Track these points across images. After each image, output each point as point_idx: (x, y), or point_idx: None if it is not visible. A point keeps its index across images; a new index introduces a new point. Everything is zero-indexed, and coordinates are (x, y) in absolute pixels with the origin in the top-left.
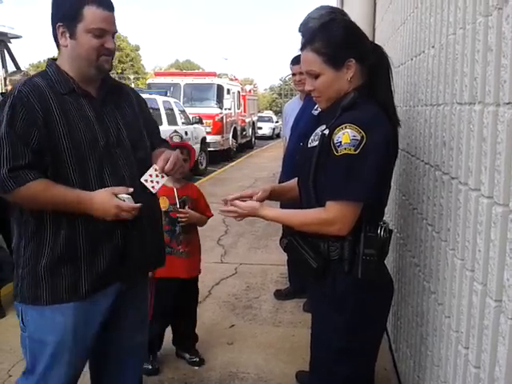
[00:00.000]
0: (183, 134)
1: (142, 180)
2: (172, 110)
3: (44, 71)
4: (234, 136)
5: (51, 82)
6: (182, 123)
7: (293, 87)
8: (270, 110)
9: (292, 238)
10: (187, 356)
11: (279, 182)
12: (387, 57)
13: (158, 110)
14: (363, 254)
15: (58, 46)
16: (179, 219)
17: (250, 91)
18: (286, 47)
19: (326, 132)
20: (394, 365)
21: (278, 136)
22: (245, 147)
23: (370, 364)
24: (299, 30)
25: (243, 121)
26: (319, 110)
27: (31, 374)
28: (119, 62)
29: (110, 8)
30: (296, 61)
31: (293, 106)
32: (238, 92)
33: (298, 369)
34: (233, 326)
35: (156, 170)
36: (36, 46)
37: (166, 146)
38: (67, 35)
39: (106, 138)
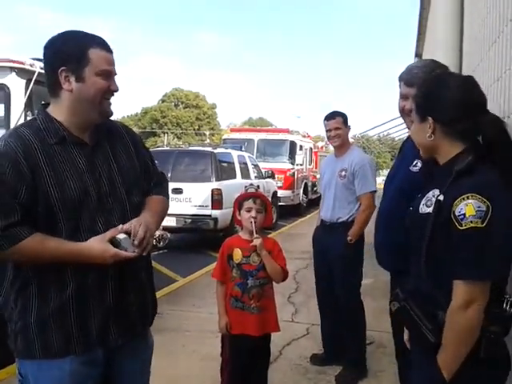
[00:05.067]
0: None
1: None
2: (246, 164)
3: (33, 119)
4: (305, 191)
5: (39, 131)
6: (255, 177)
7: (365, 145)
8: None
9: (406, 304)
10: None
11: (375, 245)
12: (505, 130)
13: (233, 163)
14: (487, 330)
15: (54, 91)
16: (253, 239)
17: (321, 148)
18: (357, 106)
19: (441, 198)
20: None
21: None
22: (315, 203)
23: None
24: (400, 78)
25: (314, 176)
26: (418, 166)
27: None
28: (197, 118)
29: (111, 50)
30: (330, 116)
31: (327, 162)
32: (310, 148)
33: None
34: None
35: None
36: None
37: (160, 190)
38: (72, 79)
39: (98, 188)
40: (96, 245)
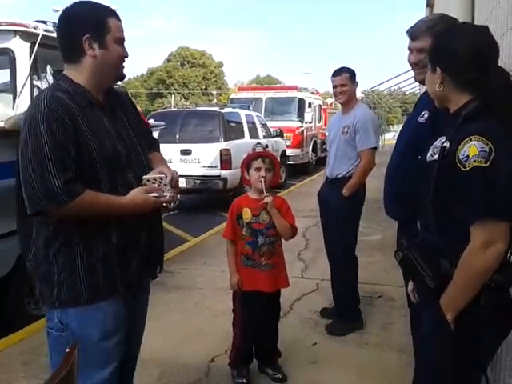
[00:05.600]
0: (264, 146)
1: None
2: (254, 123)
3: (57, 84)
4: (314, 149)
5: (70, 94)
6: (263, 136)
7: (376, 100)
8: None
9: (408, 253)
10: (270, 372)
11: (384, 195)
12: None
13: (241, 123)
14: (490, 279)
15: (74, 57)
16: (263, 197)
17: (330, 105)
18: (367, 61)
19: (447, 145)
20: None
21: None
22: (324, 161)
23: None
24: (406, 32)
25: (323, 134)
26: (425, 117)
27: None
28: (204, 78)
29: (120, 19)
30: (336, 72)
31: (334, 120)
32: (319, 105)
33: None
34: (315, 344)
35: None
36: None
37: (157, 147)
38: (95, 46)
39: (124, 146)
40: (138, 196)
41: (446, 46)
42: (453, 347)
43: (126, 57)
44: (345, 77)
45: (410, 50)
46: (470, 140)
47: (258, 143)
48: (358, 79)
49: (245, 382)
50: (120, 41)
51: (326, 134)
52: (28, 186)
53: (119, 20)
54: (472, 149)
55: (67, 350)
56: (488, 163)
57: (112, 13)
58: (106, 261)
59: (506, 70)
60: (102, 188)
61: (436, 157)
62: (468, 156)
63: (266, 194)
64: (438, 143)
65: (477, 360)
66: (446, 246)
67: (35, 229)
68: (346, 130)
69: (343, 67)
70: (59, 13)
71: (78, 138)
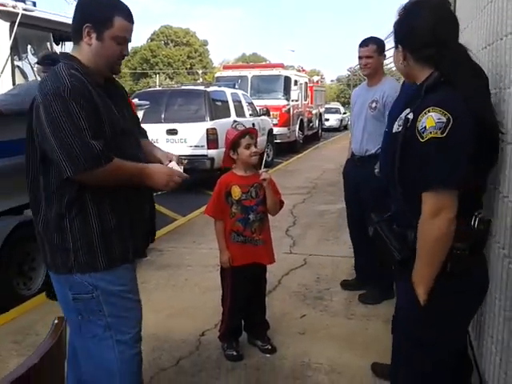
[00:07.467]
0: (251, 126)
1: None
2: (240, 102)
3: (69, 64)
4: (301, 128)
5: (82, 75)
6: (250, 115)
7: (362, 78)
8: (338, 101)
9: (377, 226)
10: (259, 343)
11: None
12: (468, 54)
13: (227, 102)
14: (453, 247)
15: (76, 39)
16: (261, 173)
17: (317, 82)
18: (354, 37)
19: (410, 116)
20: (475, 361)
21: (345, 128)
22: (311, 139)
23: (446, 359)
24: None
25: (310, 112)
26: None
27: (112, 327)
28: (188, 57)
29: (133, 21)
30: (362, 43)
31: (359, 91)
32: (305, 83)
33: (372, 362)
34: (304, 316)
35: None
36: None
37: (146, 136)
38: (93, 36)
39: (126, 125)
40: (162, 168)
41: (404, 23)
42: (427, 320)
43: (125, 55)
44: (371, 48)
45: None
46: (428, 111)
47: (234, 121)
48: (346, 56)
49: (235, 353)
50: (120, 40)
51: (349, 112)
52: (69, 152)
53: (130, 22)
54: (429, 120)
55: (55, 322)
56: (444, 134)
57: (124, 13)
58: (118, 229)
59: (463, 46)
60: None
61: (401, 129)
62: (425, 127)
63: (262, 169)
64: (403, 115)
65: (454, 328)
66: (414, 216)
67: (46, 199)
68: (374, 105)
69: (371, 37)
70: None
71: (96, 113)
